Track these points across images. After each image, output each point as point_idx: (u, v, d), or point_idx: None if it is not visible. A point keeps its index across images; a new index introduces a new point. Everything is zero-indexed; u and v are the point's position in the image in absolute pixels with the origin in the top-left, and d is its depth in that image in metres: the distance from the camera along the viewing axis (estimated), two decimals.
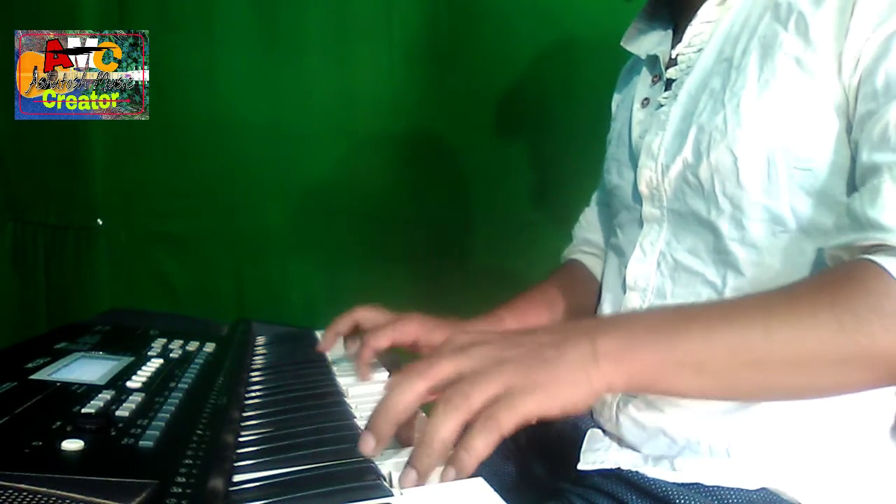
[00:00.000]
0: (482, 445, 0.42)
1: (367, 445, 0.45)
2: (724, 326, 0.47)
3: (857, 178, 0.53)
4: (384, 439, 0.46)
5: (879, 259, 0.46)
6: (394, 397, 0.46)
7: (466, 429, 0.43)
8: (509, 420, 0.42)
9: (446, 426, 0.42)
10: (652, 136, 0.67)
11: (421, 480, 0.42)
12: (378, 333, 0.73)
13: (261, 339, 0.95)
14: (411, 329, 0.75)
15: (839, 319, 0.45)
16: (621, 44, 0.78)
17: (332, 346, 0.81)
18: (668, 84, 0.69)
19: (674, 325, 0.48)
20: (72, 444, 0.44)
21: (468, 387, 0.44)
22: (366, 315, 0.79)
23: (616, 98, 0.87)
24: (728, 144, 0.58)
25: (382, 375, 0.74)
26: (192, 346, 0.81)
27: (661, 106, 0.68)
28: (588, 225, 0.95)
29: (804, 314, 0.46)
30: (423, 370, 0.46)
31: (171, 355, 0.75)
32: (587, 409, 0.47)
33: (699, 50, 0.66)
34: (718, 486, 0.57)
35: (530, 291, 0.89)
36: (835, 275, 0.50)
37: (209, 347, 0.81)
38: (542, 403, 0.43)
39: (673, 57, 0.70)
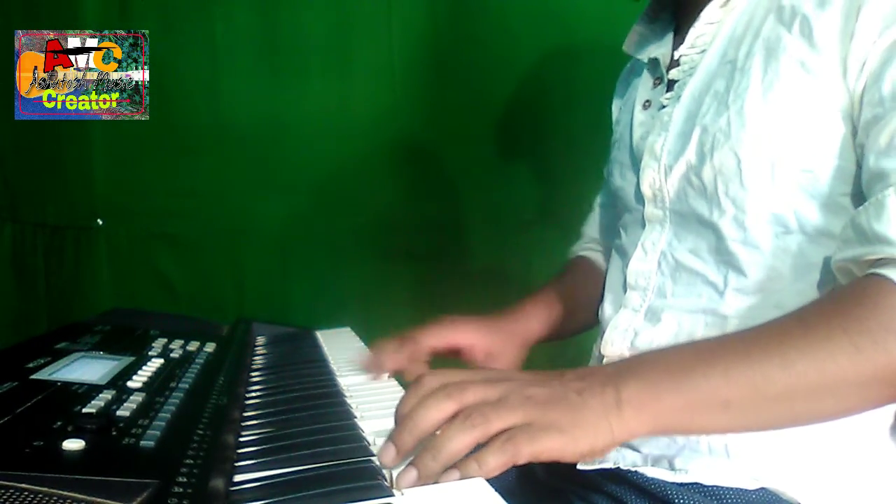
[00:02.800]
0: (495, 463, 0.42)
1: (389, 456, 0.45)
2: (742, 363, 0.47)
3: (863, 183, 0.53)
4: (404, 452, 0.45)
5: (889, 273, 0.46)
6: (422, 413, 0.45)
7: (478, 446, 0.43)
8: (527, 449, 0.42)
9: (459, 441, 0.43)
10: (655, 137, 0.67)
11: (419, 483, 0.42)
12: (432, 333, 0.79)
13: (261, 339, 0.95)
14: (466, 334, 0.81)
15: (854, 342, 0.45)
16: (623, 48, 0.78)
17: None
18: (670, 86, 0.69)
19: (693, 365, 0.48)
20: (73, 444, 0.45)
21: (491, 411, 0.44)
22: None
23: (616, 103, 0.87)
24: (732, 146, 0.59)
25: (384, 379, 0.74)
26: (193, 346, 0.81)
27: (664, 107, 0.68)
28: (596, 225, 0.97)
29: (820, 341, 0.46)
30: (454, 392, 0.46)
31: (171, 355, 0.75)
32: (607, 454, 0.47)
33: (702, 51, 0.66)
34: (718, 486, 0.57)
35: (549, 288, 0.91)
36: (845, 294, 0.50)
37: (209, 347, 0.82)
38: (561, 444, 0.43)
39: (675, 58, 0.70)
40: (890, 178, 0.49)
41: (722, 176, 0.59)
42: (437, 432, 0.45)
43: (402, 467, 0.44)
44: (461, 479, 0.42)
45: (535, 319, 0.87)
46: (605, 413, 0.45)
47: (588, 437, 0.44)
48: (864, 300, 0.46)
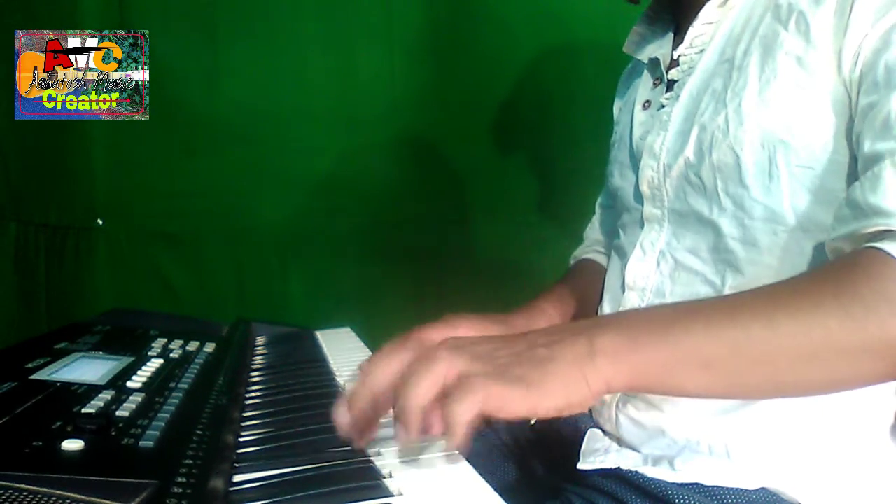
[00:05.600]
0: (463, 410, 0.41)
1: (341, 412, 0.45)
2: (727, 321, 0.46)
3: (858, 169, 0.52)
4: (357, 407, 0.45)
5: (885, 245, 0.45)
6: (374, 365, 0.46)
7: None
8: (493, 389, 0.41)
9: (420, 384, 0.42)
10: (654, 137, 0.67)
11: (409, 445, 0.43)
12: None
13: (261, 339, 0.95)
14: None
15: (846, 308, 0.44)
16: (623, 49, 0.78)
17: None
18: (670, 85, 0.70)
19: (675, 321, 0.47)
20: (72, 444, 0.45)
21: (450, 355, 0.43)
22: None
23: (617, 104, 0.87)
24: (730, 144, 0.59)
25: None
26: (192, 346, 0.81)
27: (663, 107, 0.68)
28: (600, 226, 0.95)
29: (809, 305, 0.45)
30: (414, 347, 0.46)
31: (171, 355, 0.75)
32: (585, 409, 0.46)
33: (701, 51, 0.66)
34: (718, 486, 0.57)
35: (562, 286, 0.87)
36: (839, 264, 0.49)
37: (209, 347, 0.81)
38: (532, 402, 0.42)
39: (675, 58, 0.70)
40: (884, 157, 0.48)
41: (721, 174, 0.60)
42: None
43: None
44: (453, 445, 0.41)
45: (544, 317, 0.82)
46: (578, 364, 0.44)
47: (559, 389, 0.43)
48: (856, 269, 0.45)
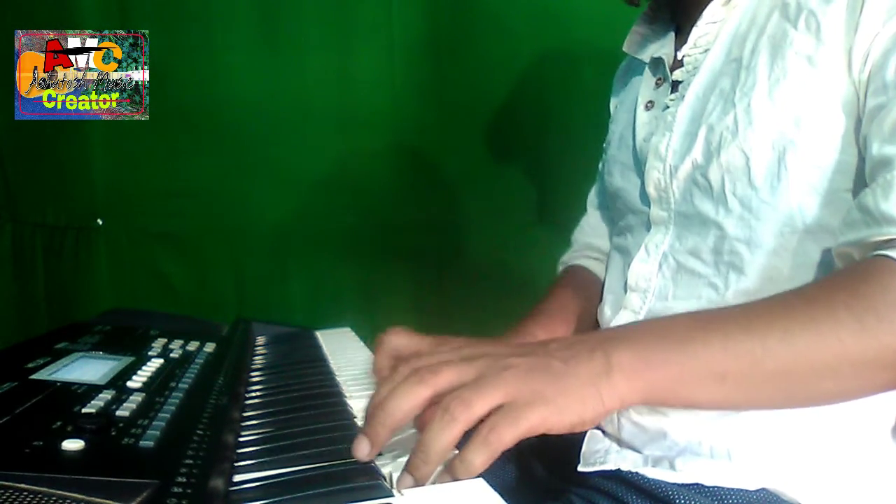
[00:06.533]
0: (480, 460, 0.41)
1: (362, 450, 0.44)
2: (742, 334, 0.45)
3: (866, 172, 0.52)
4: (379, 444, 0.44)
5: None
6: (393, 402, 0.44)
7: (465, 437, 0.42)
8: (510, 434, 0.41)
9: (445, 437, 0.41)
10: (659, 138, 0.67)
11: (418, 485, 0.42)
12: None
13: (261, 339, 0.95)
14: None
15: (859, 318, 0.44)
16: (623, 49, 0.78)
17: None
18: (674, 86, 0.69)
19: (690, 334, 0.46)
20: (72, 444, 0.44)
21: (469, 394, 0.42)
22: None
23: (613, 101, 0.87)
24: (739, 144, 0.58)
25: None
26: (192, 346, 0.81)
27: (668, 108, 0.68)
28: (591, 230, 0.92)
29: (823, 316, 0.45)
30: (426, 377, 0.44)
31: (171, 355, 0.75)
32: (596, 424, 0.45)
33: (705, 50, 0.66)
34: (718, 487, 0.57)
35: (549, 302, 0.84)
36: (850, 273, 0.48)
37: (209, 347, 0.81)
38: (546, 418, 0.42)
39: (678, 59, 0.70)
40: (895, 163, 0.48)
41: (729, 174, 0.59)
42: (420, 431, 0.43)
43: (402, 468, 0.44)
44: (454, 481, 0.41)
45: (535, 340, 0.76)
46: (594, 380, 0.44)
47: (575, 406, 0.43)
48: (869, 279, 0.45)
